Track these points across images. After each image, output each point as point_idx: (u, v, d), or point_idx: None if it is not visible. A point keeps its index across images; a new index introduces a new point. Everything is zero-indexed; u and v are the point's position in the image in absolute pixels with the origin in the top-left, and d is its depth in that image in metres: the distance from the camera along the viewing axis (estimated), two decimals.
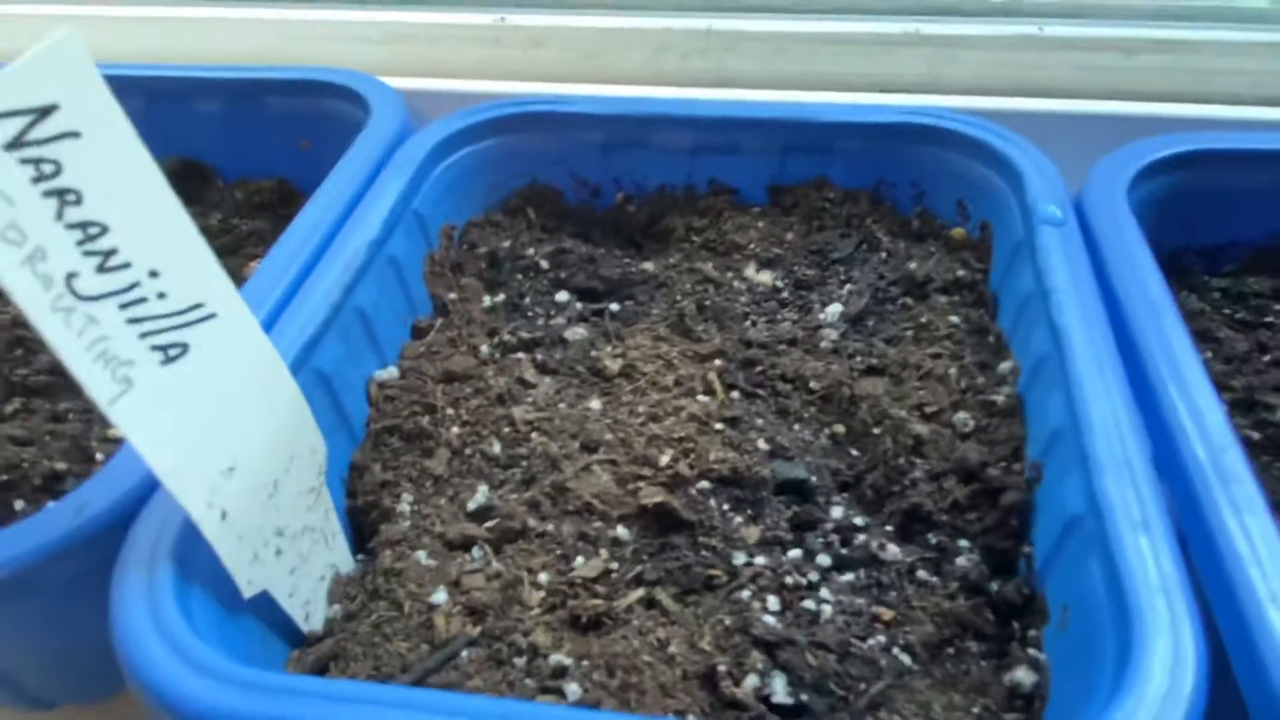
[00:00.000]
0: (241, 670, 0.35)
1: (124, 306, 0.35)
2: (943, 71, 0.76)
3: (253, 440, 0.41)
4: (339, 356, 0.51)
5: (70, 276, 0.33)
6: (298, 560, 0.44)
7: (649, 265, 0.63)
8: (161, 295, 0.36)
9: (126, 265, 0.35)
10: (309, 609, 0.45)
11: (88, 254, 0.34)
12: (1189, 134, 0.59)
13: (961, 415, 0.49)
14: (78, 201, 0.33)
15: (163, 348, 0.36)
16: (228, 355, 0.40)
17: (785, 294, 0.60)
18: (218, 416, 0.39)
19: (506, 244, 0.65)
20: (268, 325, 0.49)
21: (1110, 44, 0.73)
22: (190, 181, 0.76)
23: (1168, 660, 0.33)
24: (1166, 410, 0.42)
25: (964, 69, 0.75)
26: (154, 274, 0.36)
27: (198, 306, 0.39)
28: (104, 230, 0.34)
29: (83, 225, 0.33)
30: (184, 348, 0.37)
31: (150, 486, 0.42)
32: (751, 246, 0.63)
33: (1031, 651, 0.40)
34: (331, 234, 0.55)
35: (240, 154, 0.75)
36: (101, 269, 0.34)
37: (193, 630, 0.37)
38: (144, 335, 0.36)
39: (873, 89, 0.77)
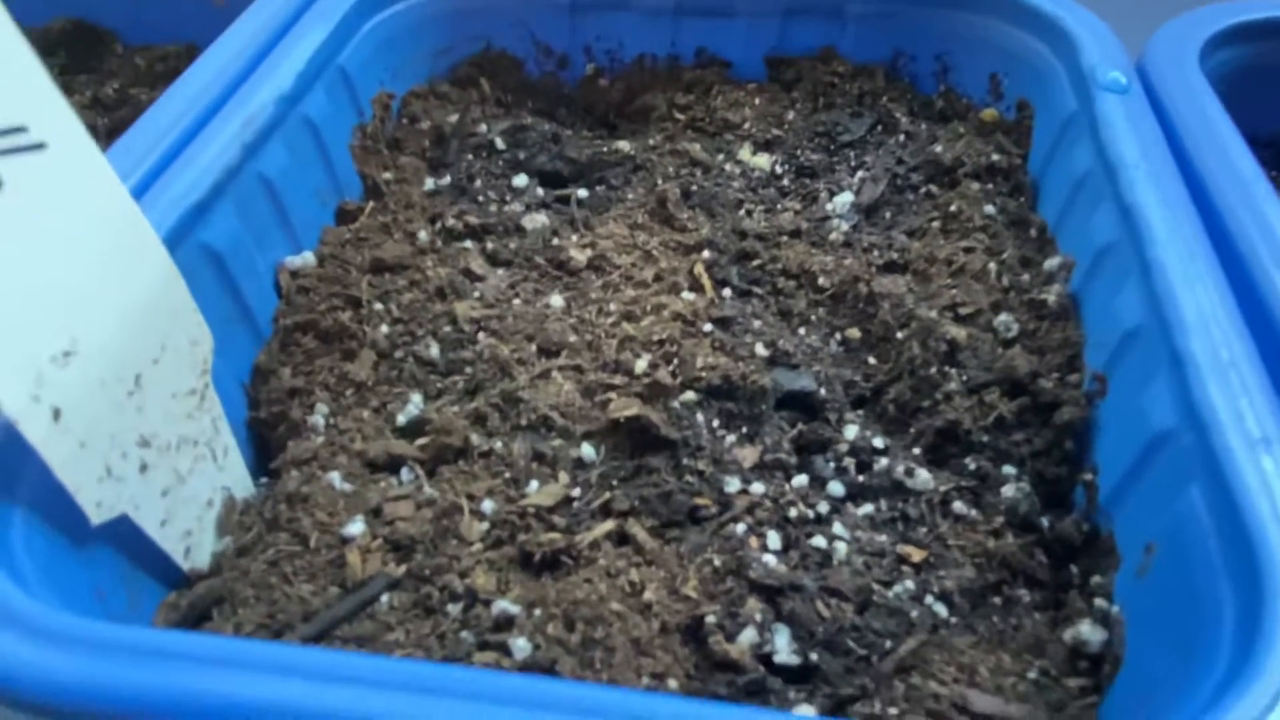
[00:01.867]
0: (65, 621, 0.26)
1: None
2: None
3: (101, 318, 0.31)
4: (236, 233, 0.41)
5: None
6: (172, 479, 0.35)
7: (624, 145, 0.53)
8: None
9: None
10: (190, 541, 0.36)
11: None
12: (1261, 0, 0.50)
13: (1004, 318, 0.41)
14: None
15: None
16: (62, 201, 0.30)
17: (786, 181, 0.51)
18: (46, 282, 0.29)
19: (454, 119, 0.54)
20: (141, 189, 0.39)
21: None
22: (83, 46, 0.65)
23: None
24: (1274, 304, 0.33)
25: None
26: None
27: (18, 131, 0.29)
28: None
29: None
30: None
31: None
32: (746, 126, 0.54)
33: (1098, 602, 0.32)
34: (231, 90, 0.45)
35: (143, 13, 0.64)
36: None
37: (6, 568, 0.27)
38: None
39: None
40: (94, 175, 0.31)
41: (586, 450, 0.37)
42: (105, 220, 0.32)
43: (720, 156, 0.52)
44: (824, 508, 0.36)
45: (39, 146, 0.29)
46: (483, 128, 0.54)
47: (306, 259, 0.45)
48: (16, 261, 0.28)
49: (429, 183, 0.52)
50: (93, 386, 0.31)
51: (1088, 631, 0.32)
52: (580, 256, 0.46)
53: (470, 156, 0.53)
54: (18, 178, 0.28)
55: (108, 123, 0.60)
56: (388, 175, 0.51)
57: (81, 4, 0.65)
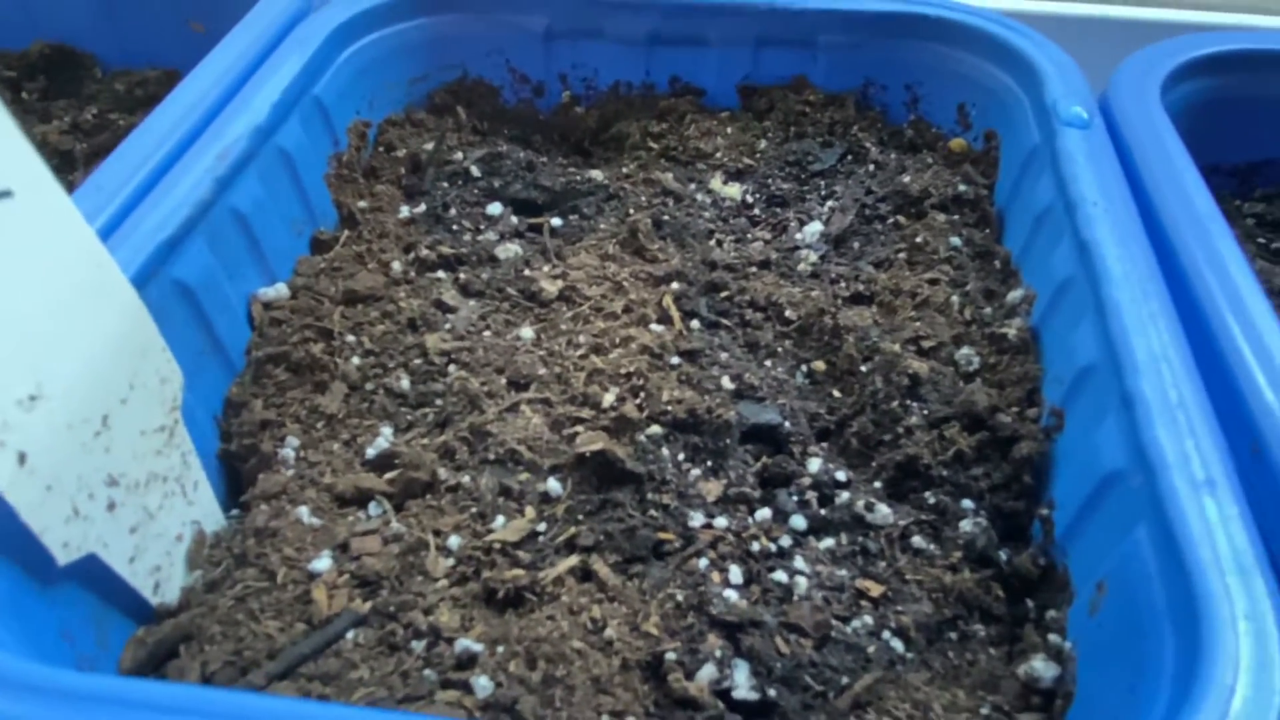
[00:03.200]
0: (27, 670, 0.26)
1: None
2: None
3: (67, 361, 0.32)
4: (208, 267, 0.41)
5: None
6: (141, 516, 0.35)
7: (597, 174, 0.54)
8: None
9: None
10: (159, 576, 0.36)
11: None
12: (1226, 33, 0.51)
13: (965, 351, 0.41)
14: None
15: None
16: (28, 247, 0.31)
17: (757, 210, 0.51)
18: (11, 327, 0.30)
19: (430, 146, 0.55)
20: (113, 226, 0.39)
21: None
22: (62, 71, 0.65)
23: (1250, 661, 0.25)
24: (1224, 343, 0.34)
25: None
26: None
27: None
28: None
29: None
30: None
31: None
32: (718, 155, 0.54)
33: (1052, 637, 0.33)
34: (206, 122, 0.45)
35: (122, 38, 0.64)
36: None
37: None
38: None
39: None
40: (60, 220, 0.32)
41: (553, 485, 0.38)
42: (71, 264, 0.32)
43: (692, 186, 0.52)
44: (786, 541, 0.36)
45: (5, 195, 0.30)
46: (458, 155, 0.55)
47: (279, 290, 0.45)
48: None
49: (404, 210, 0.52)
50: (59, 429, 0.31)
51: (1041, 667, 0.32)
52: (551, 288, 0.46)
53: (445, 184, 0.53)
54: None
55: (86, 148, 0.60)
56: (363, 204, 0.51)
57: (61, 28, 0.65)
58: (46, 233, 0.31)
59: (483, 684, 0.31)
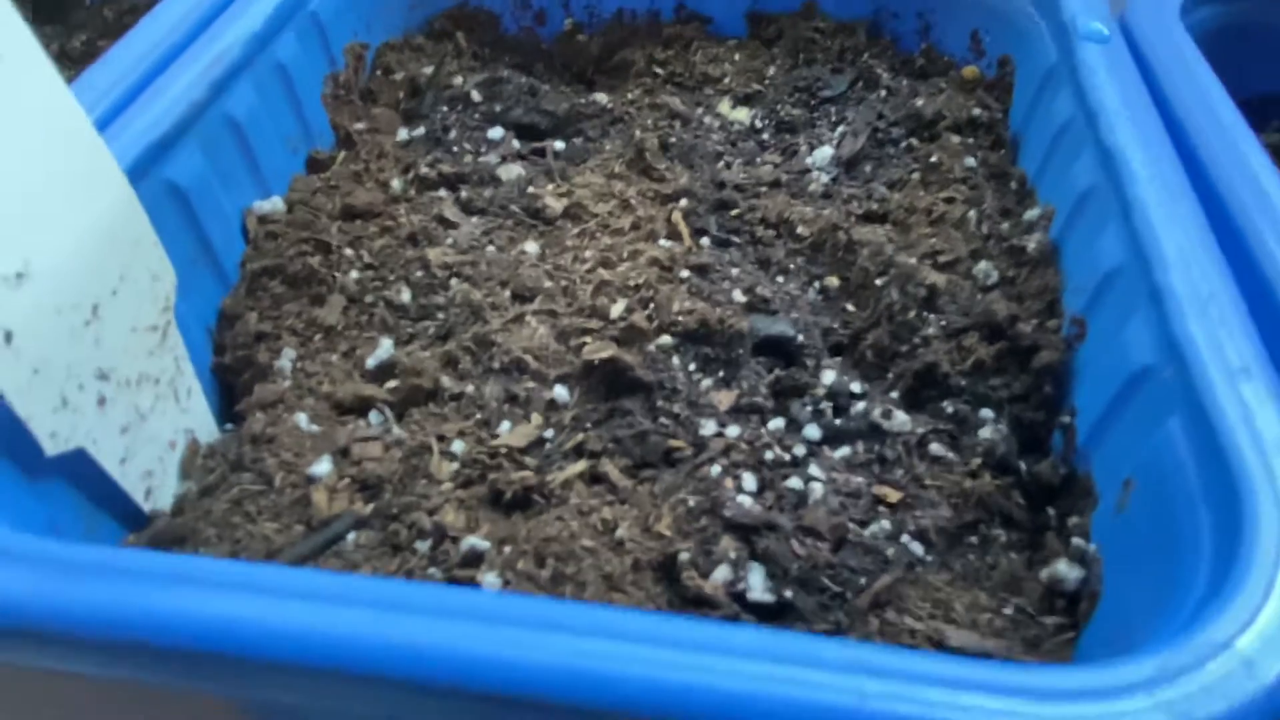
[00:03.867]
0: (17, 540, 0.25)
1: None
2: None
3: (56, 242, 0.30)
4: (201, 171, 0.40)
5: None
6: (132, 416, 0.34)
7: (602, 97, 0.52)
8: None
9: None
10: (151, 482, 0.35)
11: None
12: None
13: (983, 265, 0.40)
14: None
15: None
16: (14, 117, 0.29)
17: (766, 135, 0.50)
18: None
19: (429, 71, 0.53)
20: (104, 124, 0.38)
21: None
22: None
23: None
24: (1253, 242, 0.33)
25: None
26: None
27: None
28: None
29: None
30: None
31: None
32: (726, 81, 0.53)
33: (1075, 540, 0.32)
34: (200, 29, 0.44)
35: None
36: None
37: None
38: None
39: None
40: (52, 95, 0.30)
41: (560, 392, 0.37)
42: (62, 144, 0.31)
43: (699, 110, 0.51)
44: (800, 450, 0.35)
45: None
46: (458, 80, 0.53)
47: (275, 204, 0.44)
48: None
49: (402, 134, 0.51)
50: (46, 311, 0.30)
51: (1064, 570, 0.31)
52: (556, 205, 0.45)
53: (445, 108, 0.52)
54: None
55: (73, 75, 0.58)
56: (360, 125, 0.50)
57: None
58: (34, 105, 0.30)
59: (490, 581, 0.30)
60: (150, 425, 0.35)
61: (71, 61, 0.60)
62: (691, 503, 0.33)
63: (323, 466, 0.34)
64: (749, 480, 0.34)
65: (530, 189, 0.46)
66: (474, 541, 0.31)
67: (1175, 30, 0.44)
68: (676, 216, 0.44)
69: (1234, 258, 0.33)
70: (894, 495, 0.34)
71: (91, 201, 0.32)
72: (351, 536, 0.32)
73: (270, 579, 0.24)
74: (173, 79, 0.40)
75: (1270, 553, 0.23)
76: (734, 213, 0.45)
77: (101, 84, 0.39)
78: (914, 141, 0.48)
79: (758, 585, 0.31)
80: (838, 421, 0.36)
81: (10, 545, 0.25)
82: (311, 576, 0.24)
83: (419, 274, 0.42)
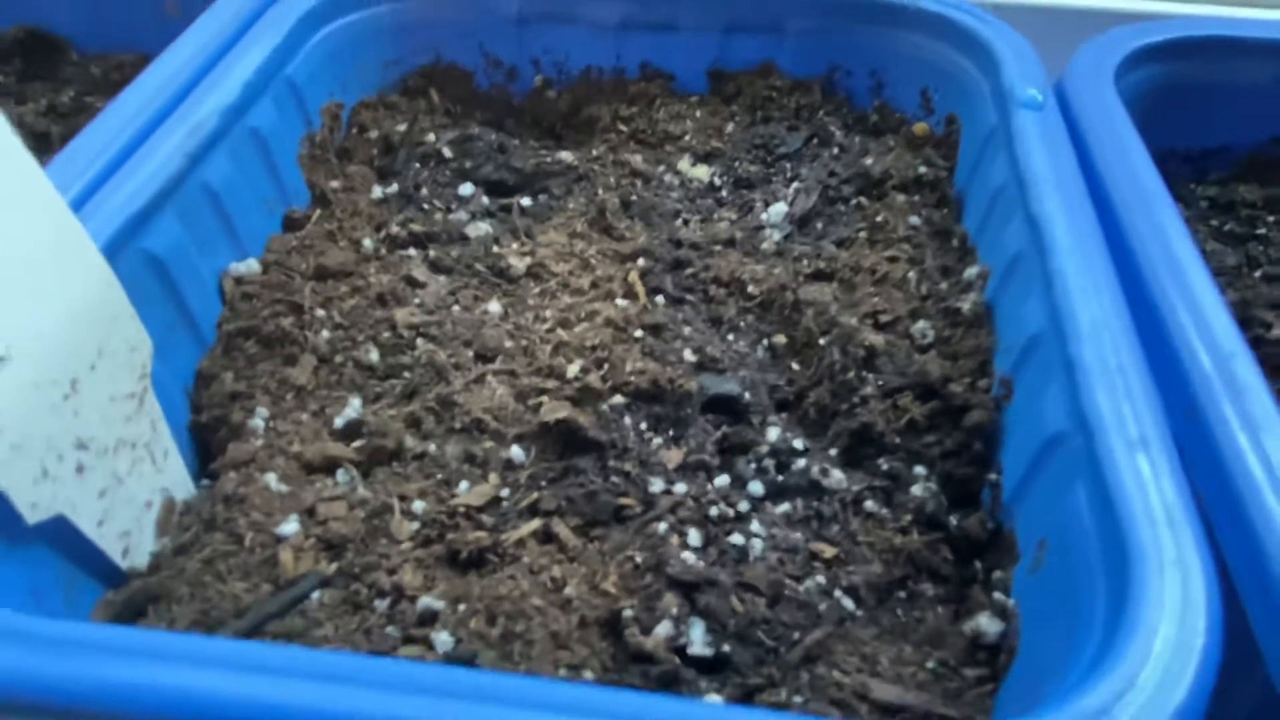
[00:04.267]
0: None
1: None
2: None
3: (35, 324, 0.32)
4: (179, 240, 0.42)
5: None
6: (110, 481, 0.36)
7: (567, 155, 0.54)
8: None
9: None
10: (128, 541, 0.37)
11: None
12: (1182, 19, 0.52)
13: (921, 325, 0.42)
14: None
15: None
16: None
17: (724, 192, 0.53)
18: None
19: (403, 128, 0.55)
20: (83, 199, 0.40)
21: None
22: (38, 54, 0.65)
23: (1175, 605, 0.26)
24: (1165, 311, 0.35)
25: None
26: None
27: None
28: None
29: None
30: None
31: None
32: (687, 138, 0.55)
33: (997, 595, 0.34)
34: (177, 101, 0.46)
35: (98, 21, 0.65)
36: None
37: None
38: None
39: None
40: (27, 181, 0.32)
41: (516, 452, 0.39)
42: (39, 229, 0.33)
43: (660, 168, 0.53)
44: (744, 506, 0.37)
45: None
46: (431, 137, 0.55)
47: (251, 266, 0.46)
48: None
49: (377, 191, 0.53)
50: (26, 390, 0.32)
51: (986, 624, 0.33)
52: (520, 264, 0.47)
53: (418, 165, 0.54)
54: None
55: (62, 130, 0.61)
56: (335, 184, 0.52)
57: (37, 12, 0.65)
58: (13, 194, 0.32)
59: (443, 639, 0.32)
60: (128, 487, 0.37)
61: (60, 116, 0.62)
62: (638, 559, 0.35)
63: (290, 526, 0.36)
64: (694, 536, 0.36)
65: (496, 248, 0.48)
66: (429, 601, 0.33)
67: (1108, 94, 0.46)
68: (633, 276, 0.46)
69: (1144, 322, 0.35)
70: (829, 551, 0.36)
71: (69, 282, 0.34)
72: (316, 595, 0.34)
73: (225, 652, 0.25)
74: (150, 151, 0.42)
75: (1151, 624, 0.25)
76: (689, 271, 0.47)
77: (81, 159, 0.41)
78: (863, 200, 0.50)
79: (698, 639, 0.33)
80: (780, 478, 0.38)
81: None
82: (265, 650, 0.26)
83: (387, 334, 0.44)
